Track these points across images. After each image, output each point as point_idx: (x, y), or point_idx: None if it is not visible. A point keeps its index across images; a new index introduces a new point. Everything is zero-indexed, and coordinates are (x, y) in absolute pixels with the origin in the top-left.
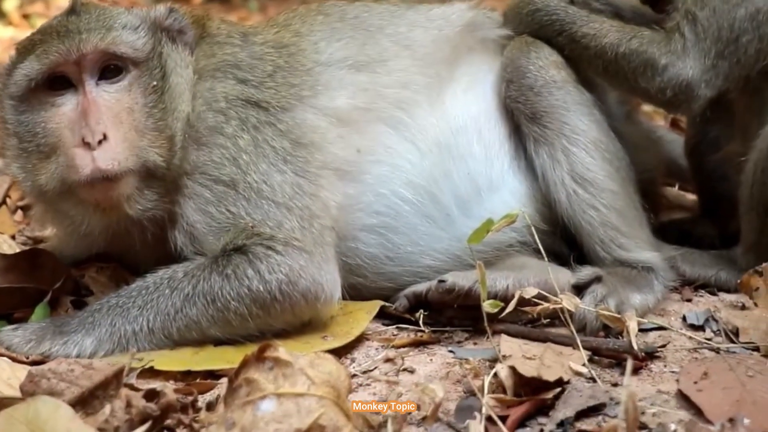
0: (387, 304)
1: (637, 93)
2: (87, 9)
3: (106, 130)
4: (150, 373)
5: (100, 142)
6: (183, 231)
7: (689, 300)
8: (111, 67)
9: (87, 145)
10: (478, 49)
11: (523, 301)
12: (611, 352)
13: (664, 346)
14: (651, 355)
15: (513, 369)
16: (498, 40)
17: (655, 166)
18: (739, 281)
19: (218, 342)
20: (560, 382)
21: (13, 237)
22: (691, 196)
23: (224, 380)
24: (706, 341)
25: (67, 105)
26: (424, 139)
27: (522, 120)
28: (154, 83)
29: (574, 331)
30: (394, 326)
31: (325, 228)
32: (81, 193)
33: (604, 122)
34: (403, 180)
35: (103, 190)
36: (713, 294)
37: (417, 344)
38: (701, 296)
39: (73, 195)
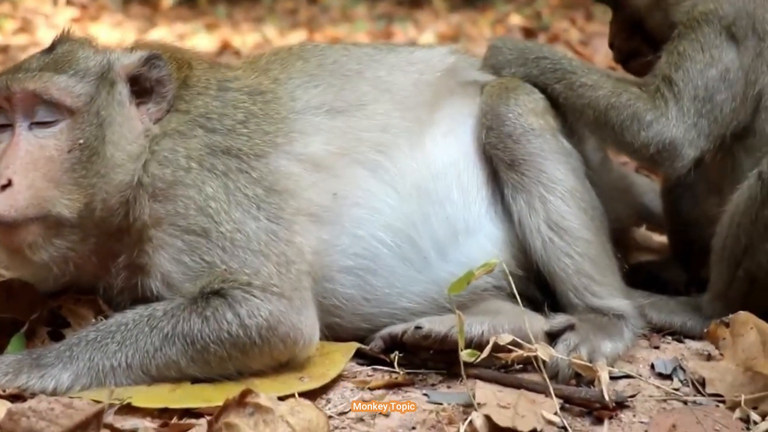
0: (362, 346)
1: (623, 147)
2: (62, 47)
3: (12, 176)
4: (127, 409)
5: (4, 186)
6: (158, 280)
7: (657, 347)
8: (46, 111)
9: None
10: (458, 93)
11: (497, 348)
12: (583, 401)
13: (633, 396)
14: (621, 404)
15: (488, 418)
16: (478, 83)
17: (627, 215)
18: (706, 330)
19: (196, 380)
20: None
21: None
22: (658, 238)
23: (203, 420)
24: (674, 392)
25: (2, 144)
26: (403, 183)
27: (500, 167)
28: (82, 140)
29: (548, 380)
30: (369, 367)
31: (302, 273)
32: None
33: (580, 170)
34: (381, 223)
35: (3, 235)
36: (680, 341)
37: (391, 386)
38: (668, 343)
39: None
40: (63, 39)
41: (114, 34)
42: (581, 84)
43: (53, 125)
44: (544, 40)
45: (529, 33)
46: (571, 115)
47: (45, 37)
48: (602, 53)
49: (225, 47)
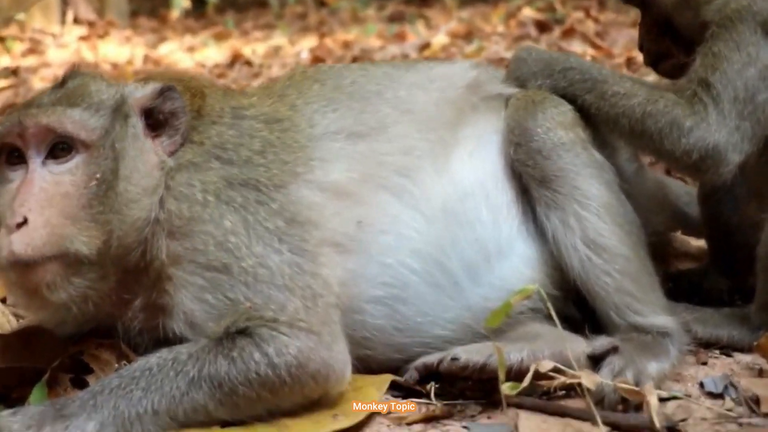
0: (396, 378)
1: (663, 156)
2: (73, 81)
3: (28, 213)
4: None
5: (19, 225)
6: (180, 320)
7: (705, 363)
8: (61, 146)
9: (9, 226)
10: (482, 109)
11: (538, 374)
12: (632, 427)
13: (684, 419)
14: (672, 429)
15: None
16: (502, 96)
17: (665, 225)
18: (756, 343)
19: (225, 423)
20: None
21: (3, 300)
22: (696, 242)
23: None
24: (727, 412)
25: (16, 181)
26: (429, 206)
27: (531, 184)
28: (98, 174)
29: (594, 408)
30: (405, 399)
31: (330, 306)
32: (4, 275)
33: (614, 184)
34: (409, 249)
35: (20, 275)
36: (728, 355)
37: (429, 419)
38: (716, 358)
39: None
40: (74, 73)
41: (123, 50)
42: (613, 93)
43: (68, 160)
44: (558, 34)
45: (543, 26)
46: (604, 126)
47: (54, 57)
48: (620, 44)
49: (236, 58)
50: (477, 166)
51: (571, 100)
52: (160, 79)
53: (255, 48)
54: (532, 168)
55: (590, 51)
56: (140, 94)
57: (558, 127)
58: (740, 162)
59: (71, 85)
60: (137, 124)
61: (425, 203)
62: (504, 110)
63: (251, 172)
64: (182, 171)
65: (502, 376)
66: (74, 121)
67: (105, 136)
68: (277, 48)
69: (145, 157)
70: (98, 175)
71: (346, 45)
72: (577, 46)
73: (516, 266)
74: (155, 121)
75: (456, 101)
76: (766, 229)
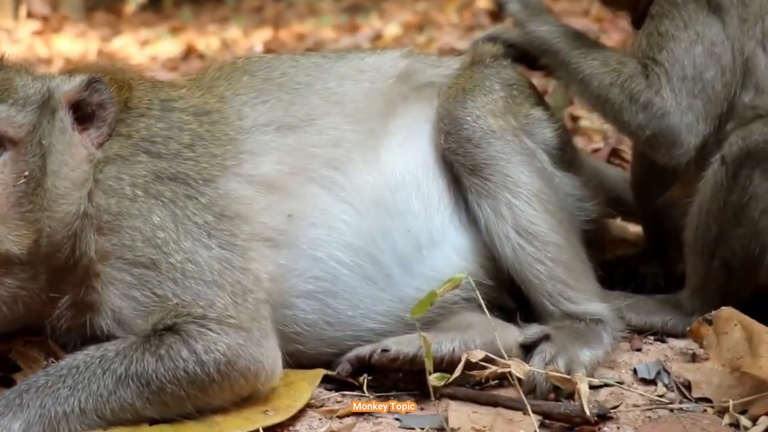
0: (329, 372)
1: (622, 127)
2: None
3: None
4: None
5: None
6: (108, 317)
7: (639, 349)
8: None
9: None
10: (412, 98)
11: (470, 364)
12: (563, 416)
13: (616, 406)
14: (604, 416)
15: None
16: (434, 84)
17: (601, 212)
18: (688, 329)
19: (154, 421)
20: None
21: None
22: (634, 228)
23: None
24: (659, 398)
25: None
26: (360, 198)
27: (462, 172)
28: (27, 172)
29: (524, 397)
30: (338, 392)
31: (260, 301)
32: None
33: (545, 171)
34: (340, 242)
35: None
36: (662, 341)
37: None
38: (650, 344)
39: None
40: None
41: (77, 44)
42: (578, 64)
43: None
44: (511, 23)
45: (496, 16)
46: (571, 92)
47: (8, 53)
48: None
49: (189, 51)
50: (408, 156)
51: (541, 48)
52: (86, 71)
53: (210, 41)
54: (463, 157)
55: None
56: (67, 87)
57: (488, 115)
58: (697, 145)
59: None
60: (65, 117)
61: (356, 195)
62: (436, 99)
63: (180, 166)
64: (110, 164)
65: (429, 367)
66: (1, 119)
67: (33, 132)
68: (230, 41)
69: (73, 150)
70: (27, 173)
71: (301, 37)
72: None
73: (449, 256)
74: (83, 113)
75: (386, 92)
76: (690, 212)
